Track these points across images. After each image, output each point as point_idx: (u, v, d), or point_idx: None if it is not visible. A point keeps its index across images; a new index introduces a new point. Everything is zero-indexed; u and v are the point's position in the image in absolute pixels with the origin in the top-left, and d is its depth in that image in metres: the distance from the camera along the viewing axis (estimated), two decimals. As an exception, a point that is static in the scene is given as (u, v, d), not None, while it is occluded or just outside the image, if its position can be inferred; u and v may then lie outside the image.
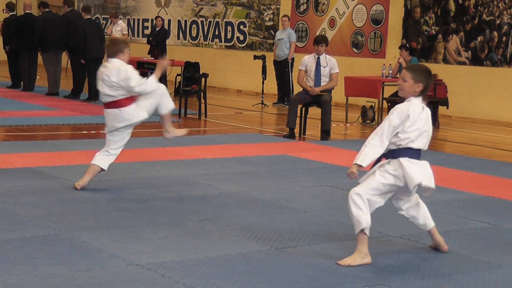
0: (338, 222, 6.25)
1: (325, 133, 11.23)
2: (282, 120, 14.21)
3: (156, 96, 7.12)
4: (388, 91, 13.56)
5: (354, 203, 5.12)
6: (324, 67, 11.29)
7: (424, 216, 5.43)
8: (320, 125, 11.42)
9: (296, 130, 11.36)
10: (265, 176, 8.08)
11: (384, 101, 13.29)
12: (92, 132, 11.26)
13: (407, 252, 5.46)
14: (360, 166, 5.17)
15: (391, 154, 5.20)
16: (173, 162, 8.59)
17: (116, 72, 6.99)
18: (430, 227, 5.45)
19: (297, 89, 16.07)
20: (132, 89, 6.98)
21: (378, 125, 12.91)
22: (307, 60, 11.41)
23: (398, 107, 5.18)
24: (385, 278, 4.86)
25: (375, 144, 5.13)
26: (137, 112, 7.14)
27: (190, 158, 8.88)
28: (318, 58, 11.33)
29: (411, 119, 5.11)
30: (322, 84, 11.29)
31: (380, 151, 5.16)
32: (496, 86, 14.20)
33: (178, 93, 17.23)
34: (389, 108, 13.03)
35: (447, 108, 13.51)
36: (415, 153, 5.17)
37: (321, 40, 11.36)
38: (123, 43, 7.30)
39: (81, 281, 4.57)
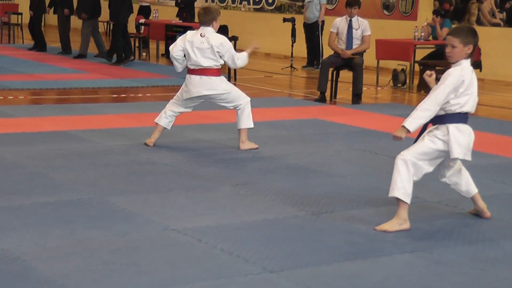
0: (374, 186, 6.17)
1: (357, 97, 11.10)
2: (312, 83, 14.09)
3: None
4: (420, 54, 13.36)
5: (397, 168, 5.03)
6: (356, 30, 11.12)
7: (467, 182, 5.33)
8: (351, 89, 11.30)
9: (327, 94, 11.24)
10: (298, 140, 8.01)
11: (416, 64, 13.11)
12: (122, 95, 11.23)
13: (446, 218, 5.38)
14: (407, 130, 5.05)
15: (439, 119, 5.09)
16: (203, 126, 8.53)
17: (220, 43, 7.19)
18: (473, 193, 5.35)
19: (326, 52, 15.90)
20: (235, 61, 7.30)
21: (409, 88, 12.95)
22: (339, 22, 11.25)
23: (452, 72, 5.04)
24: (425, 244, 4.78)
25: (427, 108, 5.03)
26: (224, 85, 7.37)
27: (221, 122, 8.81)
28: (350, 20, 11.15)
29: (465, 85, 5.00)
30: (354, 47, 11.12)
31: (431, 116, 5.08)
32: (530, 48, 13.94)
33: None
34: (421, 71, 12.85)
35: (480, 71, 13.27)
36: (463, 117, 5.08)
37: (354, 2, 11.17)
38: (216, 11, 7.35)
39: (118, 245, 4.54)
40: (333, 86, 11.38)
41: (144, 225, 4.96)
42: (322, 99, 11.09)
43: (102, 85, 12.05)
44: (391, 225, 5.04)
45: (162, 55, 17.24)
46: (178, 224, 4.97)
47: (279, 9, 18.85)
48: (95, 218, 5.06)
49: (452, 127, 5.06)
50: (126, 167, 6.52)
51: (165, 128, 7.43)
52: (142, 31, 17.40)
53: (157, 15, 17.78)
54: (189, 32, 7.25)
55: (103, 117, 8.99)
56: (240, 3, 19.96)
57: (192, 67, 7.25)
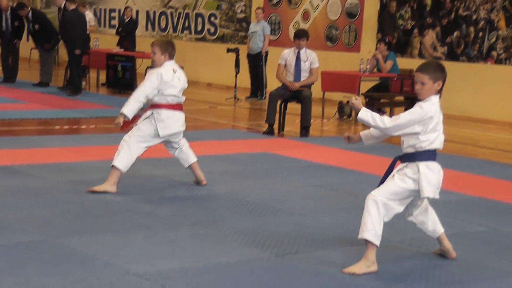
0: (335, 225, 6.05)
1: (305, 130, 11.02)
2: (256, 114, 14.02)
3: None
4: (365, 87, 13.39)
5: (368, 209, 4.91)
6: (305, 62, 11.08)
7: (433, 222, 5.25)
8: (298, 121, 11.22)
9: (275, 126, 11.13)
10: (252, 176, 7.85)
11: (362, 97, 13.12)
12: (65, 127, 10.93)
13: (413, 259, 5.27)
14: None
15: (409, 157, 5.00)
16: (153, 160, 8.30)
17: (184, 76, 7.03)
18: (439, 233, 5.27)
19: (270, 83, 15.88)
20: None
21: (355, 121, 12.93)
22: (287, 54, 11.19)
23: (423, 105, 4.94)
24: (395, 287, 4.66)
25: (384, 127, 4.97)
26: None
27: (169, 157, 8.58)
28: (299, 52, 11.11)
29: (434, 121, 4.93)
30: (302, 79, 11.08)
31: (380, 135, 5.18)
32: (472, 82, 14.12)
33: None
34: (367, 103, 12.89)
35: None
36: (433, 155, 5.00)
37: (302, 34, 11.14)
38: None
39: (77, 293, 4.30)
40: (281, 118, 11.29)
41: (103, 269, 4.72)
42: (270, 132, 10.97)
43: (44, 116, 11.72)
44: (359, 268, 4.90)
45: (103, 84, 16.95)
46: (139, 268, 4.75)
47: (222, 39, 18.76)
48: (50, 262, 4.79)
49: (423, 165, 4.97)
50: (77, 206, 6.26)
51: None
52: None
53: (97, 43, 17.50)
54: (160, 71, 6.83)
55: (48, 151, 8.69)
56: (182, 32, 19.81)
57: (173, 102, 6.96)
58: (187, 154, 7.16)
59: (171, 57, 6.91)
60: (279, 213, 6.36)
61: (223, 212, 6.29)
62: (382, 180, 5.14)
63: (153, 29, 20.65)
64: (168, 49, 6.89)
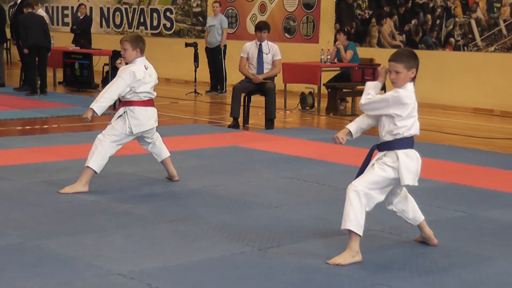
0: (313, 217, 6.03)
1: (270, 122, 10.99)
2: (217, 108, 13.97)
3: None
4: (326, 77, 13.41)
5: (349, 200, 4.89)
6: (267, 54, 11.05)
7: (413, 209, 5.26)
8: (262, 113, 11.19)
9: (239, 119, 11.08)
10: (223, 170, 7.80)
11: (323, 87, 13.14)
12: (27, 127, 10.75)
13: (395, 248, 5.27)
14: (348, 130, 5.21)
15: (387, 145, 5.01)
16: (123, 157, 8.18)
17: (155, 72, 6.95)
18: (420, 220, 5.28)
19: (230, 76, 15.83)
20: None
21: (318, 111, 12.95)
22: (249, 47, 11.15)
23: (399, 90, 4.99)
24: (382, 277, 4.65)
25: (360, 102, 5.14)
26: None
27: (139, 153, 8.49)
28: (260, 44, 11.08)
29: (410, 107, 4.94)
30: (265, 71, 11.05)
31: (366, 126, 5.27)
32: (431, 69, 14.20)
33: (106, 83, 16.79)
34: (329, 94, 12.91)
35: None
36: (410, 142, 5.02)
37: (263, 26, 11.11)
38: None
39: (63, 296, 4.22)
40: (245, 111, 11.24)
41: (86, 270, 4.63)
42: (235, 125, 10.92)
43: (4, 117, 11.49)
44: (344, 258, 4.89)
45: (59, 83, 16.72)
46: (122, 268, 4.68)
47: (178, 33, 18.63)
48: (31, 265, 4.69)
49: (401, 153, 4.98)
50: (51, 207, 6.14)
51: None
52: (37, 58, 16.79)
53: (52, 41, 17.21)
54: (133, 69, 6.73)
55: (14, 152, 8.53)
56: (137, 28, 19.62)
57: (145, 98, 6.86)
58: (160, 149, 7.09)
59: (142, 52, 6.82)
60: (256, 206, 6.32)
61: (199, 208, 6.23)
62: (361, 170, 5.13)
63: (108, 25, 20.43)
64: (139, 44, 6.79)
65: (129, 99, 6.79)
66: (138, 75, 6.70)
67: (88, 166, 6.66)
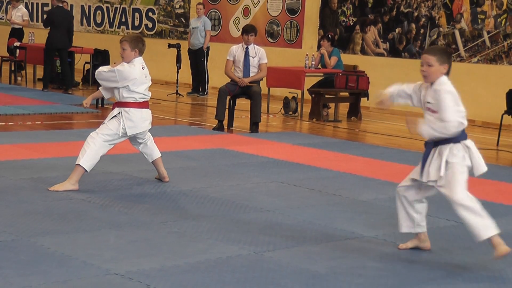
0: (306, 221, 6.02)
1: (255, 125, 10.98)
2: (199, 110, 13.95)
3: None
4: (310, 82, 13.43)
5: (470, 209, 4.88)
6: (253, 57, 11.04)
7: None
8: (246, 117, 11.18)
9: (224, 122, 11.06)
10: (212, 172, 7.77)
11: (306, 92, 13.15)
12: (10, 123, 10.64)
13: (390, 254, 5.26)
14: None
15: (453, 139, 4.96)
16: (111, 157, 8.09)
17: (148, 73, 6.94)
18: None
19: (212, 78, 15.80)
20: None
21: (300, 116, 12.96)
22: (235, 50, 11.13)
23: (450, 88, 4.96)
24: (380, 284, 4.65)
25: (446, 131, 4.95)
26: None
27: (126, 152, 8.44)
28: (247, 48, 11.06)
29: (458, 97, 4.99)
30: (251, 74, 11.04)
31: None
32: (414, 78, 14.13)
33: (87, 82, 16.70)
34: (313, 99, 12.92)
35: (368, 99, 13.50)
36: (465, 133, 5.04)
37: (250, 29, 11.10)
38: None
39: (62, 295, 4.17)
40: (230, 114, 11.22)
41: (83, 269, 4.58)
42: (220, 128, 10.90)
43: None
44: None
45: (39, 79, 16.58)
46: (119, 268, 4.63)
47: (160, 34, 18.55)
48: (27, 263, 4.63)
49: (469, 142, 5.00)
50: (42, 204, 6.07)
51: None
52: (17, 54, 16.68)
53: (33, 38, 17.09)
54: (128, 68, 6.71)
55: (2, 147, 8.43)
56: (119, 27, 19.52)
57: (141, 100, 6.82)
58: (152, 149, 7.05)
59: (141, 53, 6.79)
60: (248, 210, 6.30)
61: (191, 209, 6.20)
62: (423, 167, 5.08)
63: (89, 24, 20.30)
64: (138, 45, 6.75)
65: (124, 99, 6.73)
66: (133, 74, 6.66)
67: (78, 164, 6.59)
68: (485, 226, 4.85)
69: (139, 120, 6.77)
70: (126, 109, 6.74)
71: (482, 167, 5.00)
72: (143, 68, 6.78)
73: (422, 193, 5.24)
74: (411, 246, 5.40)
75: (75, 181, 6.60)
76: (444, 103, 4.91)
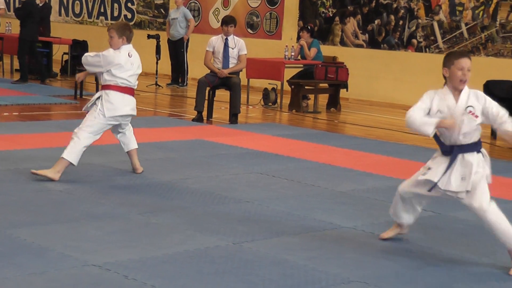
0: (285, 212, 6.02)
1: (235, 117, 10.97)
2: (178, 101, 13.91)
3: None
4: (289, 73, 13.43)
5: (499, 218, 4.83)
6: (233, 49, 11.02)
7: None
8: (225, 108, 11.17)
9: (203, 113, 11.04)
10: (191, 163, 7.75)
11: (286, 83, 13.15)
12: (-13, 114, 10.57)
13: (368, 245, 5.28)
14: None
15: (475, 147, 4.92)
16: (88, 148, 8.05)
17: (138, 62, 6.95)
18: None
19: (191, 70, 15.76)
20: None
21: (280, 107, 12.96)
22: (215, 41, 11.10)
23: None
24: (358, 273, 4.65)
25: None
26: None
27: (104, 144, 8.39)
28: (226, 39, 11.04)
29: None
30: (231, 66, 11.02)
31: None
32: (393, 69, 14.34)
33: (65, 73, 16.60)
34: (292, 91, 12.91)
35: (347, 90, 13.52)
36: None
37: (230, 20, 11.08)
38: None
39: (39, 286, 4.14)
40: (210, 105, 11.20)
41: (61, 261, 4.55)
42: (199, 119, 10.88)
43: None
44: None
45: (16, 70, 16.44)
46: (97, 259, 4.61)
47: (139, 25, 18.46)
48: (3, 254, 4.60)
49: (484, 150, 4.98)
50: (19, 196, 6.03)
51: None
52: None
53: (10, 28, 16.94)
54: (113, 53, 6.75)
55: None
56: (97, 18, 19.40)
57: (123, 85, 6.83)
58: (129, 139, 7.06)
59: (128, 40, 6.82)
60: (227, 201, 6.29)
61: (170, 201, 6.18)
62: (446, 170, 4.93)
63: (67, 14, 20.17)
64: (126, 32, 6.79)
65: (107, 82, 6.80)
66: (117, 60, 6.71)
67: (62, 157, 6.60)
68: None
69: (119, 104, 6.79)
70: (107, 91, 6.80)
71: (489, 179, 4.94)
72: (130, 56, 6.78)
73: (428, 199, 5.21)
74: (393, 234, 5.40)
75: (57, 171, 6.60)
76: (497, 105, 4.87)
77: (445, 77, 4.95)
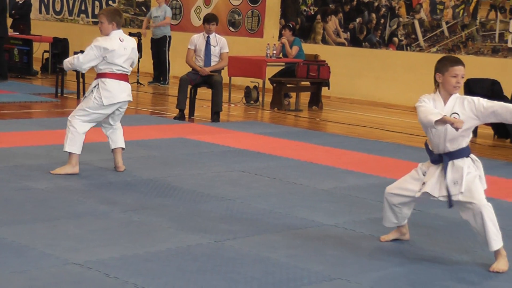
0: (267, 210, 6.03)
1: (216, 115, 10.96)
2: (160, 99, 13.89)
3: None
4: (271, 72, 13.43)
5: (489, 219, 4.81)
6: (214, 47, 11.02)
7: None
8: (208, 106, 11.16)
9: (185, 111, 11.03)
10: (173, 161, 7.74)
11: (268, 81, 13.16)
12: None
13: (350, 243, 5.29)
14: None
15: (464, 152, 4.94)
16: (70, 146, 8.07)
17: (131, 46, 6.96)
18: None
19: (173, 68, 15.73)
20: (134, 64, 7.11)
21: (262, 105, 12.96)
22: (197, 39, 11.10)
23: None
24: (339, 271, 4.66)
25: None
26: None
27: (86, 142, 8.34)
28: (208, 37, 11.03)
29: None
30: (212, 64, 11.01)
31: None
32: (374, 67, 14.39)
33: (46, 71, 16.53)
34: (274, 89, 12.92)
35: (329, 89, 13.55)
36: None
37: (212, 18, 11.07)
38: None
39: (20, 285, 4.11)
40: (192, 103, 11.19)
41: (41, 259, 4.53)
42: (181, 117, 10.87)
43: None
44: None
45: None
46: (78, 257, 4.59)
47: (121, 23, 18.38)
48: (-17, 253, 4.58)
49: (473, 155, 4.99)
50: (-1, 194, 6.01)
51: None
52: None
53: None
54: (103, 40, 6.76)
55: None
56: (78, 15, 19.33)
57: (118, 72, 6.86)
58: (118, 137, 7.11)
59: (118, 26, 6.86)
60: (209, 199, 6.29)
61: (152, 199, 6.17)
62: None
63: (47, 12, 20.07)
64: (116, 18, 6.83)
65: (102, 70, 6.83)
66: (110, 46, 6.73)
67: (67, 151, 6.82)
68: (498, 237, 4.81)
69: (116, 91, 6.83)
70: (103, 79, 6.84)
71: (484, 183, 4.95)
72: (121, 41, 6.81)
73: (414, 204, 5.22)
74: (392, 238, 5.40)
75: (74, 164, 6.82)
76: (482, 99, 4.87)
77: (436, 82, 4.95)
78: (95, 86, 6.85)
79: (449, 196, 4.89)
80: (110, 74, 6.82)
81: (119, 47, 6.78)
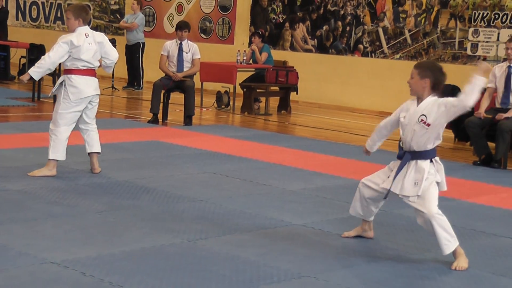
0: (237, 210, 6.22)
1: (189, 118, 11.18)
2: (134, 104, 14.02)
3: None
4: (241, 77, 13.65)
5: (439, 225, 5.03)
6: (187, 53, 11.23)
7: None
8: (181, 110, 11.35)
9: (158, 115, 11.21)
10: (147, 164, 7.92)
11: (238, 87, 13.37)
12: None
13: (318, 242, 5.50)
14: None
15: (429, 154, 5.15)
16: (46, 149, 8.19)
17: (98, 40, 7.05)
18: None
19: (146, 73, 15.89)
20: (114, 61, 7.25)
21: (233, 110, 13.18)
22: (169, 46, 11.31)
23: None
24: (308, 269, 4.85)
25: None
26: None
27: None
28: (181, 43, 11.24)
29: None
30: (185, 69, 11.22)
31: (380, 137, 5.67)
32: (340, 73, 14.71)
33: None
34: (244, 94, 13.14)
35: (297, 93, 13.82)
36: None
37: (184, 25, 11.29)
38: None
39: (-1, 283, 4.28)
40: (165, 107, 11.39)
41: (19, 258, 4.69)
42: (155, 121, 11.06)
43: None
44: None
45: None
46: (55, 256, 4.75)
47: (95, 29, 18.31)
48: (-38, 252, 4.73)
49: (438, 158, 5.20)
50: (-24, 196, 6.15)
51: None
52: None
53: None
54: (69, 35, 6.92)
55: None
56: (54, 22, 19.43)
57: (83, 68, 6.99)
58: (94, 141, 7.27)
59: (85, 22, 7.01)
60: (182, 200, 6.47)
61: (126, 200, 6.34)
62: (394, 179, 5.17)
63: (24, 19, 20.15)
64: (82, 14, 6.98)
65: (68, 67, 6.98)
66: (75, 41, 6.87)
67: (50, 159, 7.01)
68: (450, 241, 5.04)
69: (83, 86, 6.99)
70: (69, 75, 6.99)
71: (444, 186, 5.18)
72: (86, 36, 6.96)
73: (382, 203, 5.48)
74: (354, 235, 5.63)
75: (51, 167, 7.02)
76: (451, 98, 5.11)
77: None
78: (61, 83, 7.00)
79: (389, 190, 5.15)
80: (75, 71, 6.95)
81: (84, 43, 6.91)
